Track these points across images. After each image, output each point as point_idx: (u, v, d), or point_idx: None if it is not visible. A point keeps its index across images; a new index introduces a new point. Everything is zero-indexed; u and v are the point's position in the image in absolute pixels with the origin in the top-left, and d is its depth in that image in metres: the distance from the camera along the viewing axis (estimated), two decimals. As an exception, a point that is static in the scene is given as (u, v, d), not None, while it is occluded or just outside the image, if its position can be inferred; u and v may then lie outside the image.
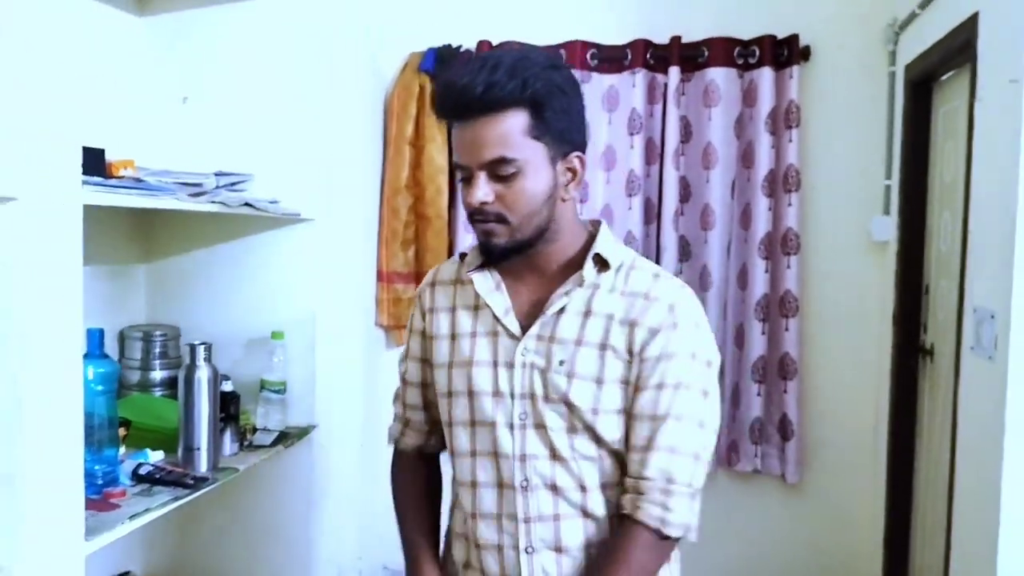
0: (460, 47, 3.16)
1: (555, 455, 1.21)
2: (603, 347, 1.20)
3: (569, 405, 1.20)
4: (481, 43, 3.14)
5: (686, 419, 1.19)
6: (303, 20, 2.06)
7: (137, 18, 1.98)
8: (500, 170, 1.16)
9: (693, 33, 3.02)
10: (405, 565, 1.35)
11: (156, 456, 1.64)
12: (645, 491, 1.18)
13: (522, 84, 1.14)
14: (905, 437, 2.79)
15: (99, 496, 1.46)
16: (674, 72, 3.03)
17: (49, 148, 1.20)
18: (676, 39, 3.03)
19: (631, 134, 3.09)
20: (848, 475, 3.05)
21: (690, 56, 3.04)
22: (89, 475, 1.44)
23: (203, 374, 1.65)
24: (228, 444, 1.76)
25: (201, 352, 1.66)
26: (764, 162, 2.97)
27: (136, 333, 1.91)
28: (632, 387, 1.20)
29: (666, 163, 3.04)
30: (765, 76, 2.96)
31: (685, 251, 3.12)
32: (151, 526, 2.06)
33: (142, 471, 1.57)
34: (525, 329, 1.24)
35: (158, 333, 1.91)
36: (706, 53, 3.03)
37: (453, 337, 1.30)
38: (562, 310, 1.23)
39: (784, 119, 2.97)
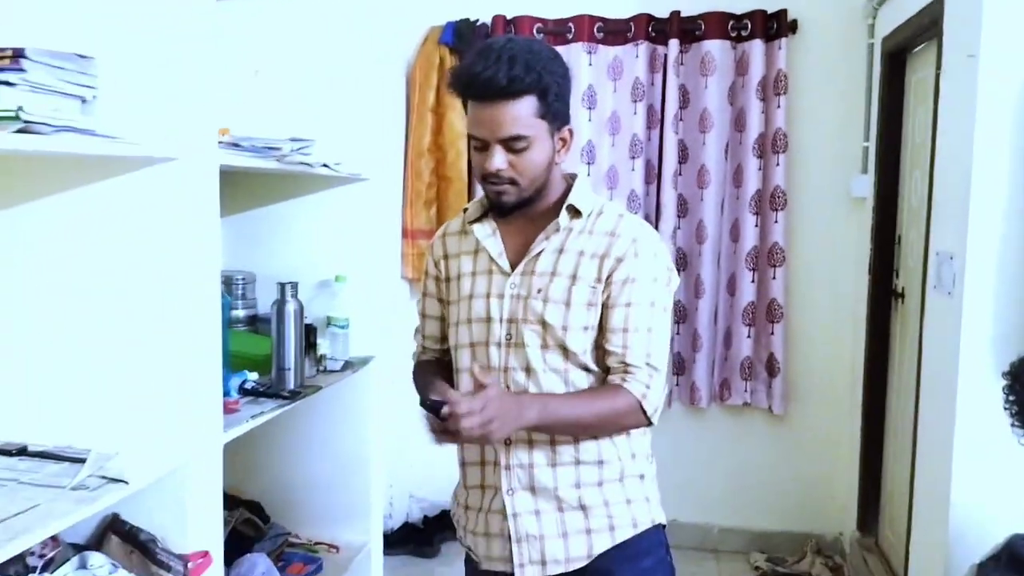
0: (477, 21, 3.43)
1: (528, 369, 1.46)
2: (573, 277, 1.46)
3: (544, 324, 1.45)
4: (496, 17, 3.41)
5: (654, 330, 1.47)
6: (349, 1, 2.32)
7: (216, 1, 2.26)
8: (514, 144, 1.42)
9: (691, 8, 3.32)
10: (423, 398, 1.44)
11: (252, 376, 1.96)
12: (632, 372, 1.44)
13: (538, 76, 1.39)
14: (879, 371, 3.14)
15: (219, 405, 1.77)
16: (673, 44, 3.32)
17: (197, 118, 1.49)
18: (675, 13, 3.32)
19: (634, 101, 3.39)
20: (829, 406, 3.41)
21: (688, 29, 3.33)
22: (207, 388, 1.75)
23: (291, 307, 1.97)
24: (308, 367, 2.09)
25: (289, 289, 1.99)
26: (755, 126, 3.29)
27: (220, 277, 2.21)
28: (600, 307, 1.46)
29: (666, 128, 3.35)
30: (756, 48, 3.26)
31: (683, 208, 3.44)
32: (230, 443, 2.38)
33: (247, 386, 1.89)
34: (514, 266, 1.51)
35: (239, 277, 2.21)
36: (703, 26, 3.32)
37: (459, 277, 1.56)
38: (542, 251, 1.49)
39: (773, 87, 3.27)
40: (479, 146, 1.45)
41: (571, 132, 1.51)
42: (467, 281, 1.54)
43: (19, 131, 1.19)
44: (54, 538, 1.44)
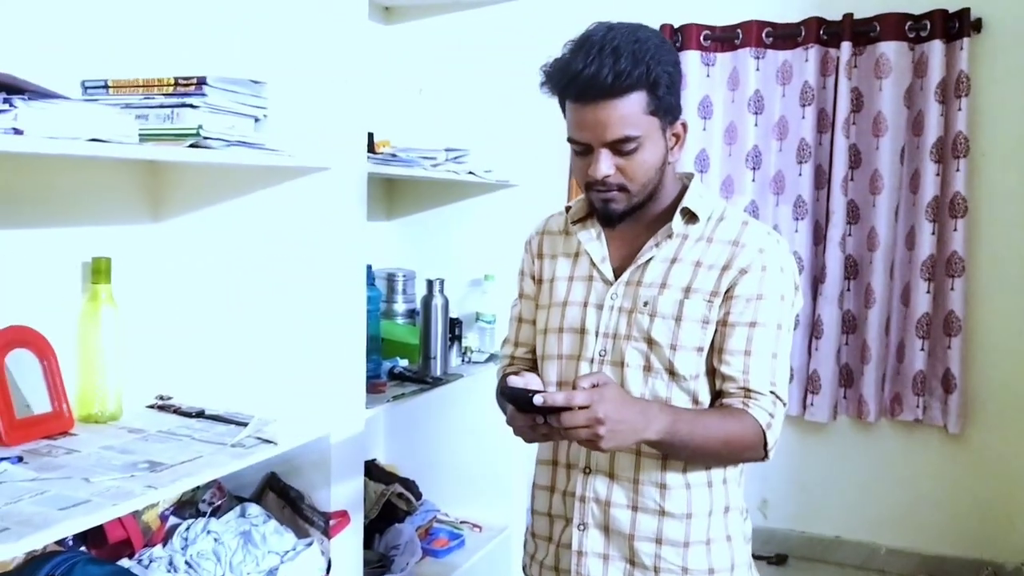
0: (645, 30, 3.51)
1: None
2: (686, 290, 1.31)
3: (650, 342, 1.31)
4: (664, 26, 3.47)
5: (779, 356, 1.32)
6: (507, 20, 2.49)
7: (385, 27, 2.51)
8: (623, 147, 1.26)
9: (865, 9, 3.22)
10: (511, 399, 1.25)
11: (403, 362, 2.18)
12: (755, 398, 1.29)
13: (646, 70, 1.23)
14: (1067, 392, 2.91)
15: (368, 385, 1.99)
16: (846, 47, 3.24)
17: (347, 132, 1.71)
18: (848, 16, 3.24)
19: (803, 105, 3.34)
20: (1010, 426, 3.19)
21: (862, 31, 3.24)
22: (359, 371, 1.97)
23: (438, 301, 2.17)
24: (454, 357, 2.28)
25: (437, 285, 2.19)
26: (933, 130, 3.14)
27: (382, 273, 2.45)
28: (715, 325, 1.30)
29: (836, 132, 3.27)
30: (935, 48, 3.11)
31: (854, 214, 3.34)
32: (391, 425, 2.62)
33: (396, 370, 2.10)
34: (618, 275, 1.37)
35: (400, 274, 2.45)
36: (877, 28, 3.22)
37: (552, 280, 1.44)
38: (651, 259, 1.35)
39: (954, 89, 3.12)
40: (581, 150, 1.30)
41: (684, 126, 1.34)
42: (562, 286, 1.42)
43: (192, 145, 1.44)
44: (222, 489, 1.71)
